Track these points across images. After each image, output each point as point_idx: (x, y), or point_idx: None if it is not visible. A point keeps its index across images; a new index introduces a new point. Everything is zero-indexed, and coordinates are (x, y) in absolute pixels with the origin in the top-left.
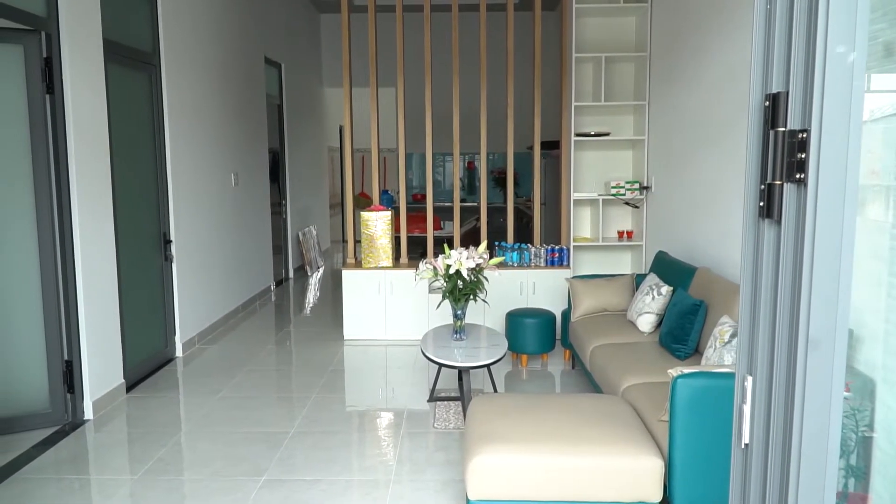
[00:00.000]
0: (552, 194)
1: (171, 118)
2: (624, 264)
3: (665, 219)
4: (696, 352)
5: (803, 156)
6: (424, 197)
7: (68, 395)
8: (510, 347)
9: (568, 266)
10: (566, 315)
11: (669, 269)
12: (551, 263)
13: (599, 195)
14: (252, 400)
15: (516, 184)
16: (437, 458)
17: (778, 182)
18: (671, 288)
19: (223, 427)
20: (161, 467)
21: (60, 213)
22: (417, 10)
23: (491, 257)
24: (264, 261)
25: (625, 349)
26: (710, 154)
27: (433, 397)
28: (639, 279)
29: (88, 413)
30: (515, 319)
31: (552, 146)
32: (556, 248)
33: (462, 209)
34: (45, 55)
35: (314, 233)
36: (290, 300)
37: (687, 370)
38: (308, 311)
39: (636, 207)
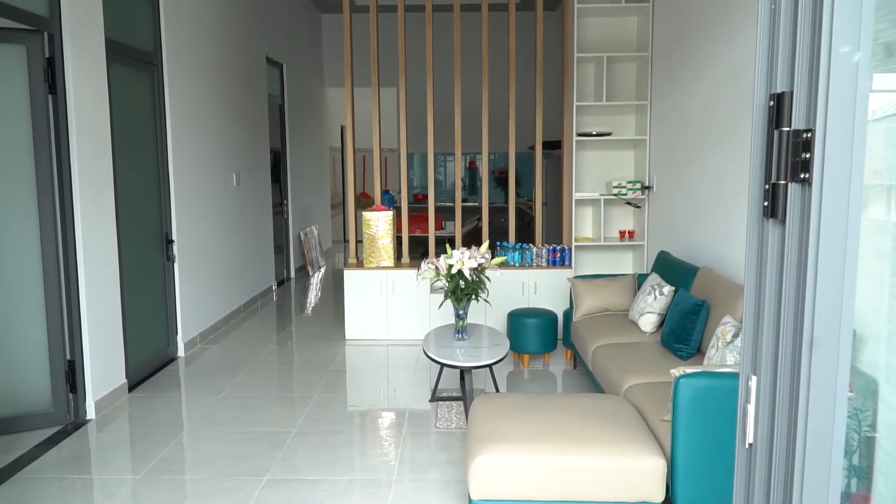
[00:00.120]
0: (553, 194)
1: (173, 118)
2: (626, 264)
3: (667, 219)
4: (698, 352)
5: (808, 156)
6: (426, 197)
7: (70, 395)
8: (512, 347)
9: (569, 266)
10: (568, 315)
11: (671, 268)
12: (553, 263)
13: (601, 195)
14: (254, 400)
15: (518, 184)
16: (439, 457)
17: (782, 182)
18: (673, 288)
19: (225, 427)
20: (163, 467)
21: (63, 212)
22: (419, 9)
23: (493, 257)
24: (266, 261)
25: (627, 349)
26: (711, 154)
27: (435, 397)
28: (640, 279)
29: (91, 413)
30: (517, 319)
31: (554, 146)
32: (558, 247)
33: (463, 209)
34: (47, 55)
35: (315, 233)
36: (292, 300)
37: (689, 370)
38: (309, 311)
39: (638, 207)
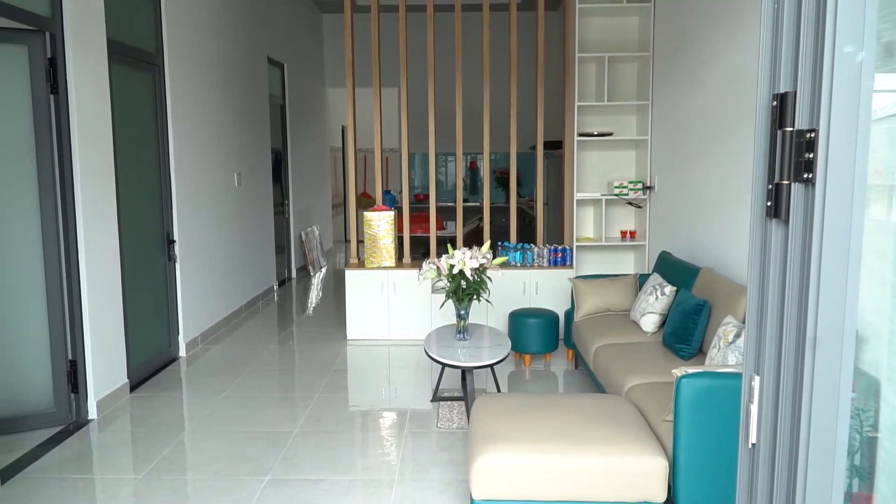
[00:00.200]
0: (555, 194)
1: (175, 118)
2: (627, 264)
3: (668, 219)
4: (699, 352)
5: (811, 156)
6: (427, 197)
7: (72, 395)
8: (513, 347)
9: (571, 266)
10: (569, 315)
11: (673, 269)
12: (554, 263)
13: (602, 195)
14: (255, 400)
15: (519, 184)
16: (440, 457)
17: (786, 182)
18: (675, 288)
19: (227, 427)
20: (165, 467)
21: (64, 212)
22: (420, 9)
23: (494, 257)
24: (267, 261)
25: (628, 349)
26: (713, 154)
27: (436, 397)
28: (642, 279)
29: (92, 413)
30: (518, 319)
31: (555, 146)
32: (559, 248)
33: (464, 209)
34: (49, 55)
35: (317, 233)
36: (293, 300)
37: (691, 370)
38: (311, 311)
39: (639, 207)
